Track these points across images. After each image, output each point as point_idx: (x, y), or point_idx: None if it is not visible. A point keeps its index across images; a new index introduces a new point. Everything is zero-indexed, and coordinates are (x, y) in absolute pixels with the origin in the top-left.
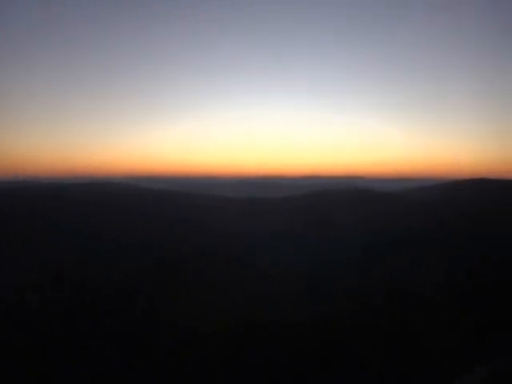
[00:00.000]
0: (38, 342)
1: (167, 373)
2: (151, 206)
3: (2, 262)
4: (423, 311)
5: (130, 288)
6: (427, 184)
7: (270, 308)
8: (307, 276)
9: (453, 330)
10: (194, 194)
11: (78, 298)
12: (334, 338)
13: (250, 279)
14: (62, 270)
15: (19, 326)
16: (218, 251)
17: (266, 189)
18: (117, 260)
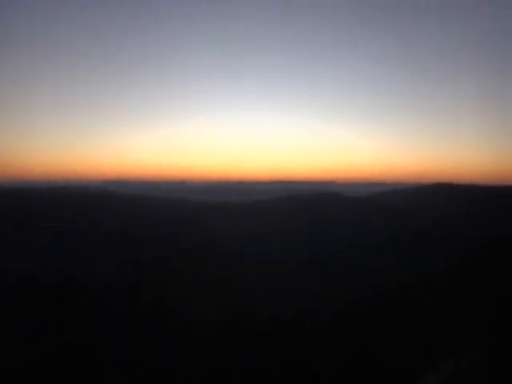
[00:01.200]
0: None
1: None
2: (123, 211)
3: None
4: (391, 312)
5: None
6: (396, 188)
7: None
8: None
9: (417, 330)
10: (165, 198)
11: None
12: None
13: (222, 289)
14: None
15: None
16: (191, 256)
17: (237, 193)
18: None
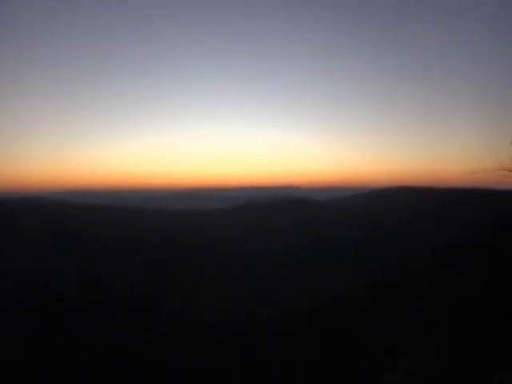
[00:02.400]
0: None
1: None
2: (82, 223)
3: None
4: (353, 312)
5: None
6: (357, 192)
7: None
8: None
9: (378, 329)
10: (126, 207)
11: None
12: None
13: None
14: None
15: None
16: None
17: (199, 200)
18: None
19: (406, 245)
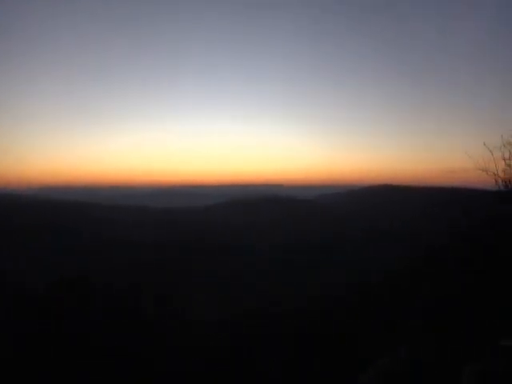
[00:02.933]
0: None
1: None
2: (63, 221)
3: None
4: (336, 311)
5: None
6: (340, 190)
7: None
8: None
9: (362, 329)
10: (107, 205)
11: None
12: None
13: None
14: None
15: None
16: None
17: (184, 198)
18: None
19: (388, 243)
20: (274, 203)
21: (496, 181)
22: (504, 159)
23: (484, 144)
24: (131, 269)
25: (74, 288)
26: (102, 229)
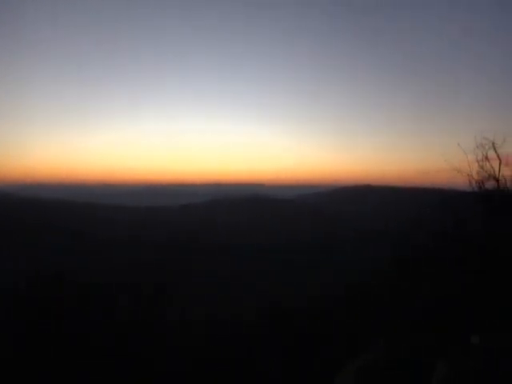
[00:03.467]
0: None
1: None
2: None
3: None
4: (314, 315)
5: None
6: (320, 190)
7: None
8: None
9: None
10: (89, 203)
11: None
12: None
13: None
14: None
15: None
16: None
17: (164, 197)
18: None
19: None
20: (256, 203)
21: (470, 182)
22: (477, 161)
23: (458, 145)
24: (118, 268)
25: (48, 286)
26: (84, 227)
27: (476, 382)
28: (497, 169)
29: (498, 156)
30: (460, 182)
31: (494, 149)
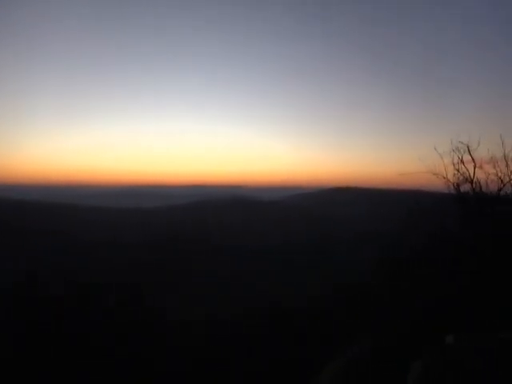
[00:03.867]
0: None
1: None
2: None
3: None
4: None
5: None
6: (304, 192)
7: None
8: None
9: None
10: (69, 204)
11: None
12: None
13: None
14: None
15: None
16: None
17: (146, 198)
18: None
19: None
20: (242, 204)
21: (447, 184)
22: (453, 164)
23: (435, 148)
24: (103, 269)
25: (23, 288)
26: (66, 228)
27: (450, 382)
28: (472, 172)
29: (473, 159)
30: (437, 184)
31: (469, 152)
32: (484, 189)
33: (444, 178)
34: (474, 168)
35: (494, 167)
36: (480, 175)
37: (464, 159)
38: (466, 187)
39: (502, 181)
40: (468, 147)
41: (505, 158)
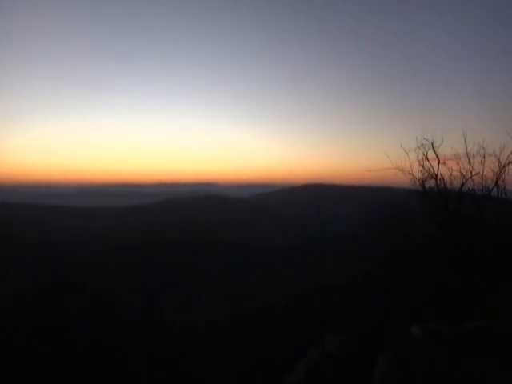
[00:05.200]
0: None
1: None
2: None
3: None
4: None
5: None
6: (272, 189)
7: None
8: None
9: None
10: (30, 204)
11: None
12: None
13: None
14: None
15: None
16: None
17: (111, 197)
18: None
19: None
20: (208, 202)
21: (413, 180)
22: (418, 160)
23: (401, 145)
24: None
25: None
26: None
27: (416, 377)
28: (436, 168)
29: (437, 156)
30: (403, 180)
31: (434, 149)
32: (448, 185)
33: (410, 174)
34: (438, 164)
35: (457, 164)
36: (444, 171)
37: (429, 156)
38: (430, 183)
39: (464, 177)
40: (432, 144)
41: (467, 154)
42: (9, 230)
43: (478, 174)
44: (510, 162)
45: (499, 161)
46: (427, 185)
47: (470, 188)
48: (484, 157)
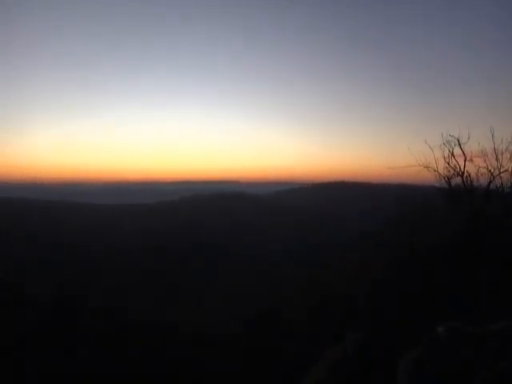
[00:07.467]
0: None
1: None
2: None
3: None
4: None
5: None
6: (293, 187)
7: None
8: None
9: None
10: (54, 202)
11: None
12: None
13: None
14: None
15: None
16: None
17: (137, 195)
18: None
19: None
20: (227, 200)
21: (438, 178)
22: (444, 157)
23: (425, 142)
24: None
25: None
26: (48, 229)
27: (442, 377)
28: (462, 165)
29: (464, 153)
30: (428, 177)
31: (460, 146)
32: (474, 182)
33: (435, 171)
34: (465, 161)
35: (485, 161)
36: (470, 169)
37: (454, 153)
38: (456, 180)
39: (492, 174)
40: (458, 141)
41: (495, 151)
42: (44, 228)
43: (506, 171)
44: None
45: None
46: (453, 182)
47: (498, 185)
48: None
